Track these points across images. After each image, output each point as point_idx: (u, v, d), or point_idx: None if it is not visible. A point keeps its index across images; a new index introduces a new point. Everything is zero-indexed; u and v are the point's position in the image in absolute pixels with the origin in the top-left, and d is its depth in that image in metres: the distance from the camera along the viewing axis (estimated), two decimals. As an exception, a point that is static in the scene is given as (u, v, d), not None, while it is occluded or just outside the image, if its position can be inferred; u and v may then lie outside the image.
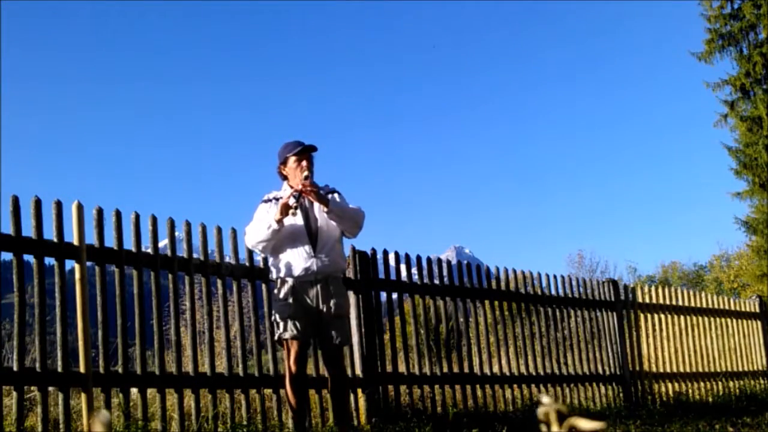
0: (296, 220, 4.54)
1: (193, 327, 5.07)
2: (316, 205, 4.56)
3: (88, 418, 4.34)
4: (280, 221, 4.43)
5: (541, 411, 1.15)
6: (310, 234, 4.54)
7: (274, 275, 4.65)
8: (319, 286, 4.51)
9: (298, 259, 4.51)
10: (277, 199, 4.58)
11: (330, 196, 4.61)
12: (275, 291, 4.62)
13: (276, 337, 4.61)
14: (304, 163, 4.60)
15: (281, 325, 4.50)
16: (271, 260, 4.70)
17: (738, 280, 23.94)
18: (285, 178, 4.72)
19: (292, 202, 4.41)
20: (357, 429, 5.57)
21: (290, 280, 4.51)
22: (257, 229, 4.53)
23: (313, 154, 4.69)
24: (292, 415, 4.70)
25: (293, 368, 4.49)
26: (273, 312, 4.64)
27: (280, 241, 4.55)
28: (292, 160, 4.64)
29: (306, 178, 4.51)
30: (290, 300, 4.50)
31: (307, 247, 4.51)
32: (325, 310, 4.51)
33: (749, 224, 21.45)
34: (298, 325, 4.47)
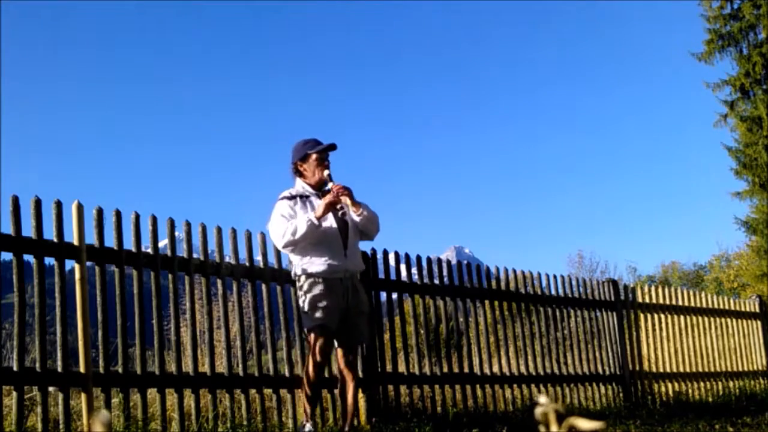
0: (328, 221, 4.63)
1: (193, 327, 5.07)
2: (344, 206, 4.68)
3: (88, 418, 4.34)
4: (320, 218, 4.51)
5: (539, 411, 1.15)
6: (341, 233, 4.64)
7: (300, 270, 4.66)
8: (349, 284, 4.65)
9: (329, 259, 4.60)
10: (301, 197, 4.65)
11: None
12: (302, 287, 4.63)
13: (309, 326, 4.62)
14: (325, 162, 4.69)
15: (312, 315, 4.55)
16: (297, 258, 4.70)
17: (738, 280, 23.94)
18: (300, 174, 4.74)
19: (335, 200, 4.53)
20: (357, 429, 5.57)
21: (321, 279, 4.60)
22: (293, 227, 4.54)
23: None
24: (309, 407, 4.72)
25: (318, 357, 4.57)
26: (302, 305, 4.64)
27: (313, 240, 4.60)
28: (314, 157, 4.68)
29: (329, 177, 4.61)
30: (322, 293, 4.57)
31: (339, 246, 4.62)
32: (352, 306, 4.63)
33: (749, 224, 21.46)
34: (330, 317, 4.55)
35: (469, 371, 6.64)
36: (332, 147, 4.72)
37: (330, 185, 4.63)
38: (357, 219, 4.65)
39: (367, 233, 4.77)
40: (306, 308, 4.61)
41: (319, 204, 4.56)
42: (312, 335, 4.60)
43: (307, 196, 4.66)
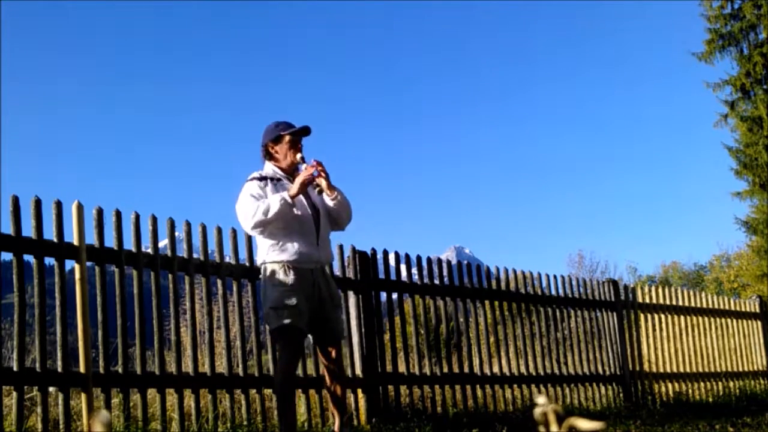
0: (301, 205, 4.33)
1: (193, 327, 5.07)
2: (314, 191, 4.35)
3: (88, 418, 4.34)
4: (295, 197, 4.19)
5: (537, 412, 1.15)
6: (315, 221, 4.33)
7: (268, 257, 4.27)
8: (318, 275, 4.30)
9: (301, 246, 4.24)
10: (272, 179, 4.32)
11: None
12: (269, 276, 4.23)
13: (275, 326, 4.19)
14: (299, 145, 4.39)
15: (279, 314, 4.13)
16: (266, 243, 4.29)
17: (738, 280, 23.96)
18: (270, 157, 4.43)
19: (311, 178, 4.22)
20: (357, 429, 5.57)
21: (292, 268, 4.22)
22: (265, 205, 4.16)
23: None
24: (285, 412, 4.18)
25: (288, 361, 4.17)
26: (269, 299, 4.20)
27: (285, 225, 4.25)
28: (287, 138, 4.39)
29: (302, 159, 4.36)
30: (291, 287, 4.17)
31: (311, 235, 4.29)
32: (325, 299, 4.30)
33: (749, 224, 21.47)
34: (297, 317, 4.14)
35: (469, 371, 6.64)
36: (306, 130, 4.42)
37: (303, 166, 4.37)
38: (331, 204, 4.32)
39: (339, 221, 4.42)
40: (272, 304, 4.16)
41: (295, 182, 4.20)
42: (279, 337, 4.20)
43: (279, 179, 4.34)
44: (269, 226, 4.19)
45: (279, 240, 4.24)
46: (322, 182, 4.29)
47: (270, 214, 4.13)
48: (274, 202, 4.14)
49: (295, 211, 4.26)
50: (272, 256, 4.23)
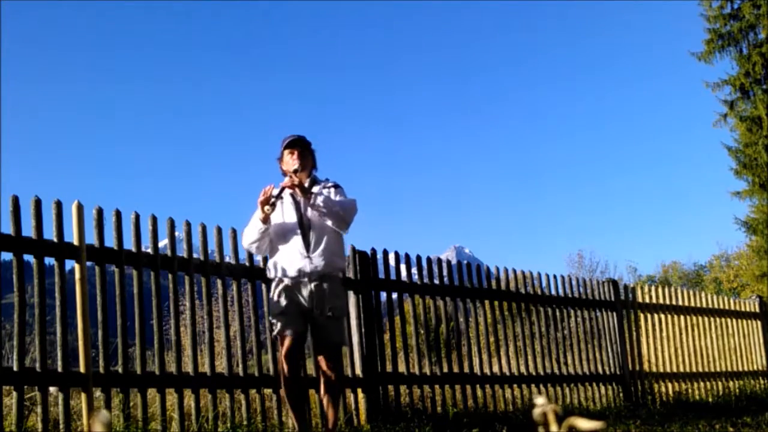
0: (289, 217, 4.46)
1: (193, 327, 5.07)
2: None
3: (88, 418, 4.35)
4: (264, 220, 4.38)
5: (536, 412, 1.15)
6: (303, 232, 4.44)
7: (271, 275, 4.58)
8: (313, 286, 4.40)
9: (291, 259, 4.42)
10: (273, 197, 4.47)
11: (321, 188, 4.53)
12: (271, 290, 4.57)
13: (273, 335, 4.58)
14: (294, 155, 4.52)
15: (274, 322, 4.46)
16: (269, 260, 4.66)
17: (737, 280, 23.98)
18: (284, 173, 4.63)
19: (272, 197, 4.35)
20: (357, 429, 5.57)
21: (285, 280, 4.44)
22: (248, 230, 4.53)
23: (313, 148, 4.63)
24: (292, 414, 4.62)
25: (286, 366, 4.41)
26: (269, 312, 4.60)
27: (276, 239, 4.49)
28: (286, 153, 4.58)
29: (295, 171, 4.44)
30: (282, 298, 4.43)
31: (300, 246, 4.41)
32: (317, 311, 4.40)
33: (749, 224, 21.48)
34: (290, 320, 4.39)
35: (469, 371, 6.64)
36: (294, 141, 4.53)
37: (286, 180, 4.46)
38: (313, 212, 4.44)
39: (333, 226, 4.46)
40: (270, 312, 4.52)
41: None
42: (278, 341, 4.52)
43: (281, 196, 4.51)
44: (261, 244, 4.56)
45: (274, 255, 4.57)
46: (296, 192, 4.47)
47: (249, 239, 4.56)
48: (252, 228, 4.51)
49: (279, 224, 4.48)
50: (271, 271, 4.58)
